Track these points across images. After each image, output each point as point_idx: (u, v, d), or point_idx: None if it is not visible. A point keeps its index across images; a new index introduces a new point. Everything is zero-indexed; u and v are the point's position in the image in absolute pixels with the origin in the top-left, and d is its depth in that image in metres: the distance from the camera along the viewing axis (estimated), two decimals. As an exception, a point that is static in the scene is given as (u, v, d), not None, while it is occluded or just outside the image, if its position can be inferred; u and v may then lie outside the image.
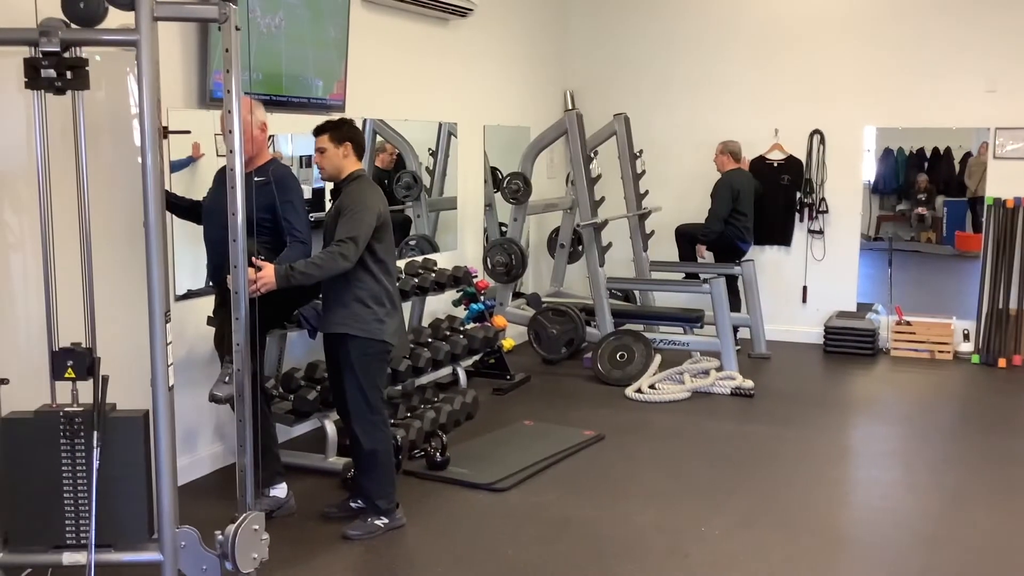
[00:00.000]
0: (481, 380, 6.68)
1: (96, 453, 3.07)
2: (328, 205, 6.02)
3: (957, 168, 9.85)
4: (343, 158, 4.15)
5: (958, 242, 10.19)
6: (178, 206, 4.40)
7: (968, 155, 9.37)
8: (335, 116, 4.24)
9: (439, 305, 6.72)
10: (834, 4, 8.05)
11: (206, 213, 4.28)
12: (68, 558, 3.17)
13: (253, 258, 3.62)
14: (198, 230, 4.50)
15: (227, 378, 4.09)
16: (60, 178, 3.38)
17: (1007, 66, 7.53)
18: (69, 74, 3.08)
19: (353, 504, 4.38)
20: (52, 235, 3.26)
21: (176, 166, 4.62)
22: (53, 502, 3.18)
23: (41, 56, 3.03)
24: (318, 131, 4.19)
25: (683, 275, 7.97)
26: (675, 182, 8.47)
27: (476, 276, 6.67)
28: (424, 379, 5.97)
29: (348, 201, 4.06)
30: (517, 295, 7.64)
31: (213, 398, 4.12)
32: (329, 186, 6.02)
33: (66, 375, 3.16)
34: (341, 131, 4.16)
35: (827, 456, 5.42)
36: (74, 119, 3.25)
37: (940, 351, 7.73)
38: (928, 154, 10.15)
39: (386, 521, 4.18)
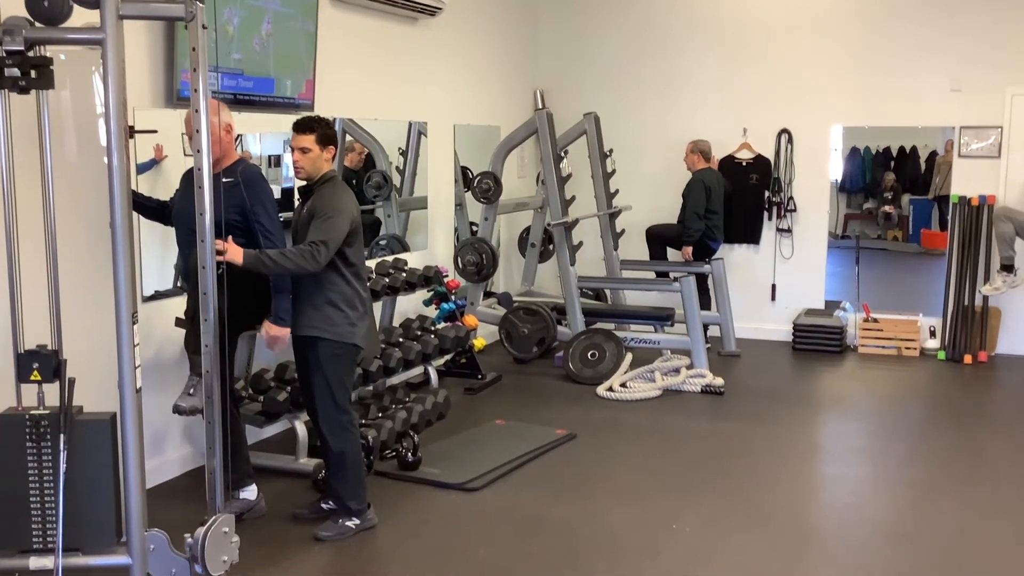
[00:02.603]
0: (452, 380, 6.67)
1: (63, 456, 3.03)
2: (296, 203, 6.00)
3: (923, 167, 9.95)
4: (324, 160, 4.07)
5: (924, 240, 10.31)
6: (145, 206, 4.36)
7: (934, 154, 9.48)
8: (309, 114, 4.13)
9: (410, 305, 6.71)
10: (802, 5, 8.11)
11: (176, 215, 4.25)
12: (35, 562, 3.13)
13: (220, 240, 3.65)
14: (165, 231, 4.47)
15: (192, 390, 4.07)
16: (25, 178, 3.33)
17: (971, 66, 7.63)
18: (33, 73, 3.04)
19: (324, 505, 4.36)
20: (17, 236, 3.21)
21: (139, 168, 4.57)
22: (19, 506, 3.13)
23: (4, 55, 2.98)
24: (303, 129, 4.05)
25: (654, 274, 8.01)
26: (645, 181, 8.51)
27: (447, 275, 6.66)
28: (395, 379, 5.95)
29: (323, 204, 4.00)
30: (488, 294, 7.64)
31: (177, 409, 4.10)
32: (299, 184, 5.99)
33: (32, 378, 3.12)
34: (328, 133, 4.08)
35: (796, 452, 5.46)
36: (39, 118, 3.21)
37: (907, 348, 7.82)
38: (894, 153, 10.26)
39: (357, 522, 4.17)
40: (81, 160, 4.24)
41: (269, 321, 4.13)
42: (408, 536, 4.19)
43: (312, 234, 3.93)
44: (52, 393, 3.14)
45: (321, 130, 4.03)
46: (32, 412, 3.13)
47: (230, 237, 3.80)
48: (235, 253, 3.78)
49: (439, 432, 5.56)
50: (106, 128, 3.00)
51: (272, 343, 4.13)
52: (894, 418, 6.20)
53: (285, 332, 4.09)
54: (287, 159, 5.97)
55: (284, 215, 4.72)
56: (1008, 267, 7.21)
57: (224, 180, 3.96)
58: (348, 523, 4.16)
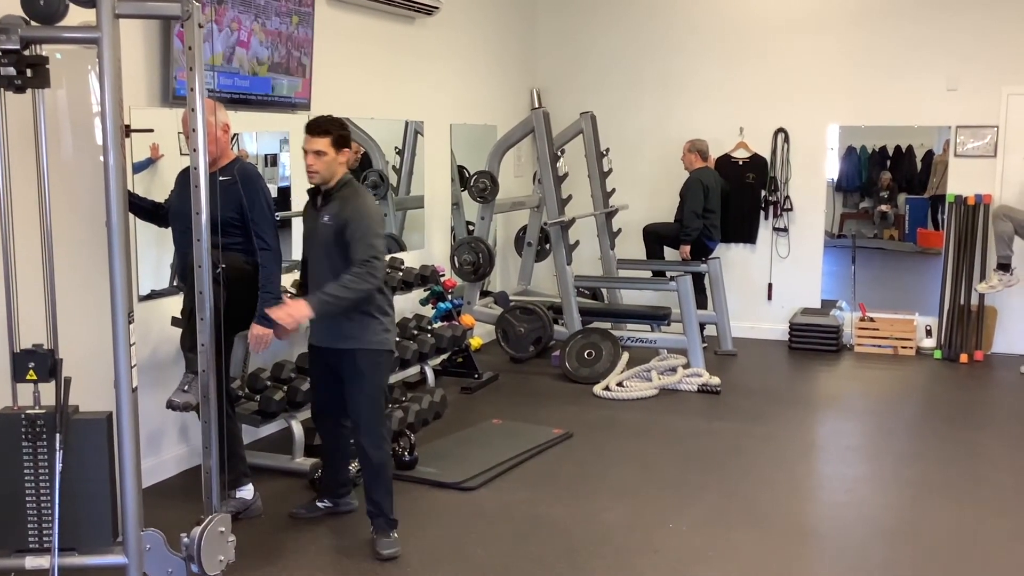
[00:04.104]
0: (449, 379, 6.67)
1: (59, 456, 3.03)
2: (295, 204, 5.99)
3: (919, 166, 9.96)
4: (339, 164, 3.90)
5: (920, 239, 10.31)
6: (140, 207, 4.35)
7: (930, 153, 9.49)
8: (323, 115, 3.95)
9: (407, 304, 6.70)
10: (798, 5, 8.12)
11: (172, 215, 4.24)
12: (31, 562, 3.13)
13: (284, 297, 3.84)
14: (161, 230, 4.47)
15: (187, 386, 4.06)
16: (21, 178, 3.33)
17: (968, 65, 7.64)
18: (29, 72, 3.04)
19: (320, 504, 4.36)
20: (13, 235, 3.21)
21: (135, 168, 4.56)
22: (15, 505, 3.13)
23: (0, 54, 2.98)
24: (317, 131, 3.87)
25: (650, 273, 8.01)
26: (642, 180, 8.52)
27: (443, 275, 6.66)
28: (392, 379, 5.94)
29: (355, 213, 3.85)
30: (485, 294, 7.64)
31: (171, 405, 4.09)
32: (299, 185, 5.99)
33: (28, 377, 3.11)
34: (344, 134, 3.92)
35: (793, 451, 5.47)
36: (35, 118, 3.20)
37: (903, 347, 7.83)
38: (890, 152, 10.26)
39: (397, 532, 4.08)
40: (77, 159, 4.23)
41: (254, 321, 4.11)
42: (405, 535, 4.18)
43: (360, 251, 3.80)
44: (48, 392, 3.13)
45: (336, 132, 3.87)
46: (28, 411, 3.12)
47: (288, 300, 3.81)
48: (301, 311, 3.74)
49: (436, 431, 5.56)
50: (102, 127, 2.99)
51: (256, 343, 4.07)
52: (890, 417, 6.20)
53: (268, 332, 4.04)
54: (283, 158, 5.97)
55: (281, 214, 4.73)
56: (1005, 266, 7.21)
57: (221, 179, 3.95)
58: (395, 533, 4.03)
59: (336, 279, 3.80)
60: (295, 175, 6.01)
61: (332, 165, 3.87)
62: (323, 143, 3.85)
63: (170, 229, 4.36)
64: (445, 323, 6.46)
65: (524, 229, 8.26)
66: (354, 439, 4.09)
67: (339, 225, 3.85)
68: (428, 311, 6.69)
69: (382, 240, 3.90)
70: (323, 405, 4.20)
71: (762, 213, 8.35)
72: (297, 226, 6.03)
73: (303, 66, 5.60)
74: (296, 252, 5.96)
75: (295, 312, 3.75)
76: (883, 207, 10.62)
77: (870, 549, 4.15)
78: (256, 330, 4.11)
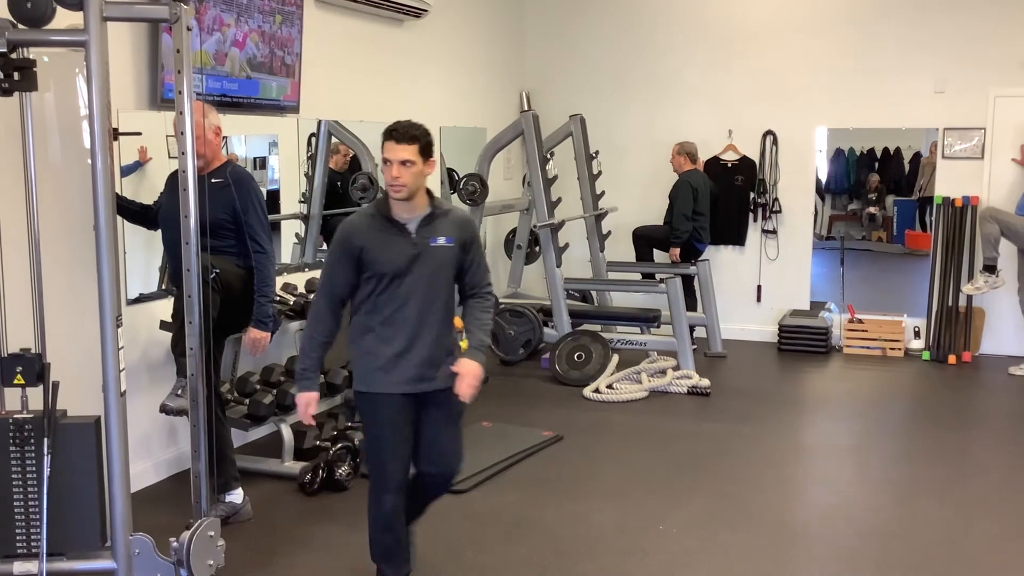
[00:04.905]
0: (439, 382, 6.66)
1: (47, 460, 3.02)
2: (284, 207, 5.98)
3: (907, 168, 9.99)
4: (425, 175, 3.38)
5: (908, 241, 10.34)
6: (128, 210, 4.35)
7: (918, 155, 9.52)
8: (406, 120, 3.45)
9: (396, 307, 6.68)
10: (787, 7, 8.14)
11: (163, 218, 4.23)
12: (19, 567, 3.11)
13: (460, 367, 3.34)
14: (149, 233, 4.46)
15: (180, 390, 4.06)
16: (8, 181, 3.32)
17: (955, 67, 7.67)
18: (16, 75, 3.02)
19: None
20: (0, 239, 3.19)
21: (123, 171, 4.54)
22: (3, 511, 3.11)
23: (-13, 57, 2.97)
24: (404, 138, 3.34)
25: (640, 275, 8.02)
26: (631, 183, 8.53)
27: (433, 278, 6.64)
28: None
29: (474, 233, 3.51)
30: (474, 296, 7.62)
31: (164, 409, 4.09)
32: (288, 189, 5.98)
33: (15, 381, 3.10)
34: (430, 142, 3.41)
35: (782, 453, 5.48)
36: (22, 121, 3.19)
37: (891, 348, 7.85)
38: (878, 154, 10.29)
39: None
40: (65, 162, 4.22)
41: (251, 325, 4.14)
42: (395, 539, 4.18)
43: (483, 275, 3.52)
44: (36, 397, 3.12)
45: (424, 140, 3.37)
46: (16, 416, 3.11)
47: (467, 377, 3.34)
48: (475, 371, 3.35)
49: (426, 434, 5.55)
50: (90, 130, 2.98)
51: (254, 346, 4.12)
52: (879, 418, 6.22)
53: (266, 335, 4.08)
54: (272, 161, 5.96)
55: (272, 217, 4.71)
56: (991, 268, 7.24)
57: (213, 180, 3.96)
58: None
59: (445, 311, 3.41)
60: (284, 178, 6.00)
61: (419, 177, 3.35)
62: (411, 151, 3.32)
63: (159, 232, 4.35)
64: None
65: (514, 232, 8.27)
66: (436, 486, 3.63)
67: (460, 247, 3.41)
68: (418, 314, 6.68)
69: None
70: (405, 470, 3.48)
71: (751, 215, 8.37)
72: (288, 228, 6.03)
73: (287, 66, 5.59)
74: (286, 256, 5.96)
75: (476, 376, 3.35)
76: (871, 209, 10.64)
77: (859, 550, 4.16)
78: (253, 334, 4.12)
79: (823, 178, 8.65)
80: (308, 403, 3.39)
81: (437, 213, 3.40)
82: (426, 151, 3.36)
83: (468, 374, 3.34)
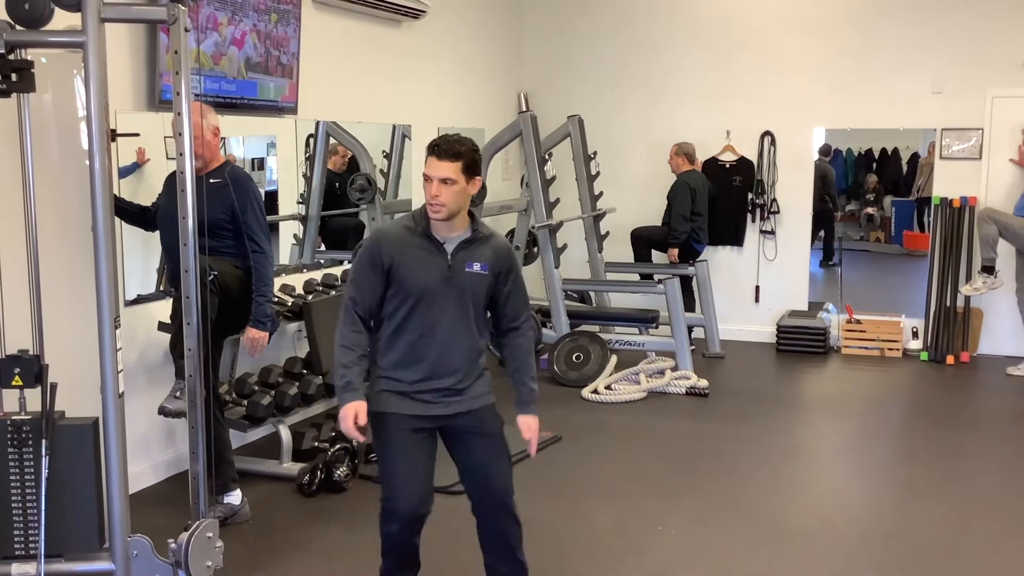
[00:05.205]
0: (437, 383, 6.65)
1: (45, 462, 3.01)
2: (282, 208, 5.98)
3: (905, 168, 10.01)
4: (468, 195, 3.13)
5: (906, 241, 10.35)
6: (126, 211, 4.35)
7: (916, 155, 9.53)
8: (453, 134, 3.16)
9: (394, 308, 6.68)
10: (784, 8, 8.15)
11: (161, 219, 4.23)
12: (17, 569, 3.11)
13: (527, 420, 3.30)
14: (147, 234, 4.46)
15: (178, 392, 4.06)
16: (6, 182, 3.31)
17: (953, 68, 7.68)
18: (14, 76, 3.02)
19: None
20: (-3, 240, 3.20)
21: (121, 172, 4.54)
22: (1, 512, 3.11)
23: (-15, 58, 2.97)
24: (447, 154, 3.06)
25: (638, 276, 8.03)
26: (629, 183, 8.53)
27: (431, 279, 6.63)
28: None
29: (510, 265, 3.24)
30: (473, 297, 7.62)
31: (163, 411, 4.08)
32: (286, 190, 5.98)
33: (13, 383, 3.09)
34: (476, 159, 3.13)
35: (781, 453, 5.48)
36: (20, 122, 3.19)
37: (890, 349, 7.86)
38: (876, 155, 10.30)
39: None
40: (63, 164, 4.21)
41: (249, 325, 4.14)
42: (393, 540, 4.18)
43: (523, 307, 3.32)
44: (34, 398, 3.11)
45: (469, 156, 3.08)
46: (13, 417, 3.11)
47: (526, 422, 3.31)
48: (537, 428, 3.33)
49: (424, 435, 5.55)
50: (88, 131, 2.98)
51: (252, 346, 4.12)
52: (877, 418, 6.23)
53: (264, 335, 4.09)
54: (271, 162, 5.96)
55: (270, 218, 4.71)
56: (989, 268, 7.25)
57: (212, 181, 3.97)
58: None
59: (472, 339, 3.22)
60: (282, 179, 6.00)
61: (461, 196, 3.09)
62: (453, 169, 3.05)
63: (158, 233, 4.35)
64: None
65: (512, 233, 8.25)
66: (496, 515, 3.43)
67: (494, 276, 3.19)
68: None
69: None
70: (424, 498, 3.29)
71: (749, 216, 8.37)
72: (286, 230, 6.02)
73: (282, 66, 5.58)
74: (284, 257, 5.96)
75: (536, 431, 3.34)
76: (869, 209, 10.65)
77: (858, 550, 4.16)
78: (252, 333, 4.12)
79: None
80: (356, 411, 3.09)
81: (478, 237, 3.18)
82: (470, 169, 3.09)
83: (532, 432, 3.32)
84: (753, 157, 8.31)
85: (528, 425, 3.30)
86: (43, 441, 3.03)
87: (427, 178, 3.09)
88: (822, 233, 9.18)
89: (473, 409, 3.26)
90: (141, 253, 4.72)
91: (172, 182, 3.82)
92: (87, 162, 2.99)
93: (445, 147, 3.07)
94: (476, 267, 3.16)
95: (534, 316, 3.10)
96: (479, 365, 3.28)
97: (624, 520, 4.44)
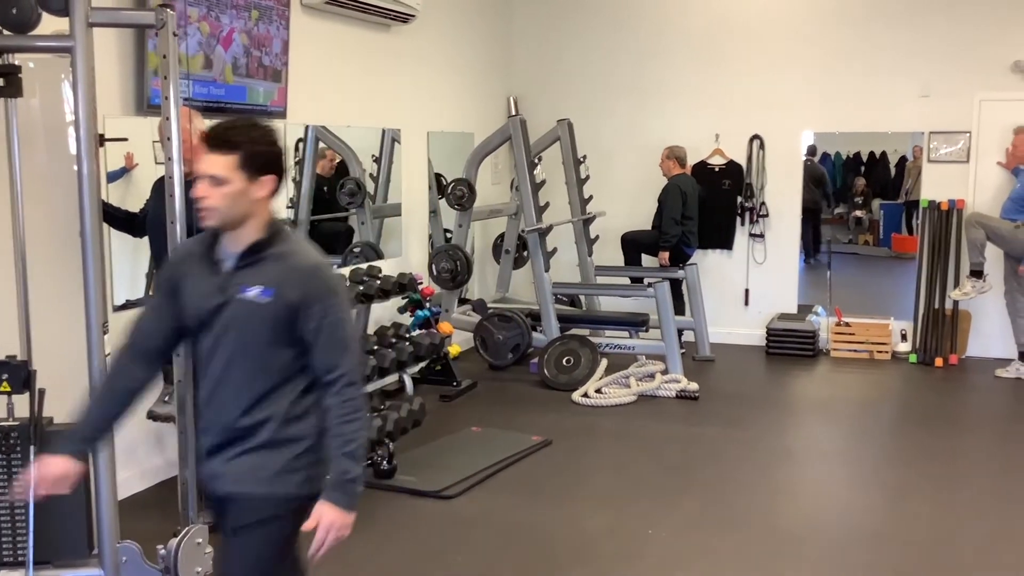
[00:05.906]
0: (428, 387, 6.65)
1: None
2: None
3: (893, 171, 10.06)
4: (256, 200, 2.36)
5: (895, 244, 10.40)
6: (114, 217, 4.33)
7: (904, 159, 9.58)
8: (252, 118, 2.78)
9: (384, 312, 6.68)
10: (773, 12, 8.17)
11: (150, 224, 4.22)
12: (5, 576, 3.10)
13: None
14: (136, 240, 4.44)
15: (167, 397, 4.04)
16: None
17: (940, 71, 7.71)
18: (2, 81, 3.02)
19: None
20: (-15, 246, 3.18)
21: (109, 177, 4.53)
22: (-11, 519, 3.10)
23: (-28, 63, 2.96)
24: (215, 144, 2.31)
25: (628, 279, 8.04)
26: (619, 187, 8.54)
27: (421, 283, 6.64)
28: (370, 387, 5.92)
29: (314, 294, 2.36)
30: (463, 301, 7.63)
31: (152, 415, 4.07)
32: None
33: (1, 389, 3.08)
34: (265, 154, 2.36)
35: (772, 456, 5.49)
36: (7, 127, 3.18)
37: (879, 351, 7.88)
38: (864, 158, 10.35)
39: None
40: (51, 168, 4.20)
41: None
42: (384, 544, 4.17)
43: (338, 356, 2.38)
44: (22, 404, 3.10)
45: (249, 148, 2.31)
46: (2, 423, 3.10)
47: (320, 531, 2.45)
48: (331, 523, 2.43)
49: (414, 439, 5.54)
50: (76, 136, 2.98)
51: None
52: (867, 421, 6.24)
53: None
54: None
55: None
56: (977, 273, 7.27)
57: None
58: None
59: (247, 392, 2.38)
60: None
61: (239, 200, 2.31)
62: (223, 164, 2.29)
63: (146, 239, 4.34)
64: (423, 331, 6.44)
65: (502, 236, 8.26)
66: None
67: (287, 307, 2.34)
68: (406, 319, 6.67)
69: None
70: None
71: (738, 219, 8.39)
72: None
73: (268, 69, 5.56)
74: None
75: (335, 528, 2.48)
76: (858, 212, 10.70)
77: (849, 551, 4.17)
78: None
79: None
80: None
81: (267, 253, 2.35)
82: (252, 164, 2.29)
83: (324, 526, 2.39)
84: (742, 161, 8.33)
85: (320, 515, 2.39)
86: (31, 447, 3.02)
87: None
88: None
89: (232, 494, 2.41)
90: (130, 258, 4.70)
91: (160, 187, 3.82)
92: (75, 167, 2.99)
93: (215, 135, 2.31)
94: (253, 292, 2.33)
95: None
96: (267, 431, 2.36)
97: (615, 524, 4.44)
